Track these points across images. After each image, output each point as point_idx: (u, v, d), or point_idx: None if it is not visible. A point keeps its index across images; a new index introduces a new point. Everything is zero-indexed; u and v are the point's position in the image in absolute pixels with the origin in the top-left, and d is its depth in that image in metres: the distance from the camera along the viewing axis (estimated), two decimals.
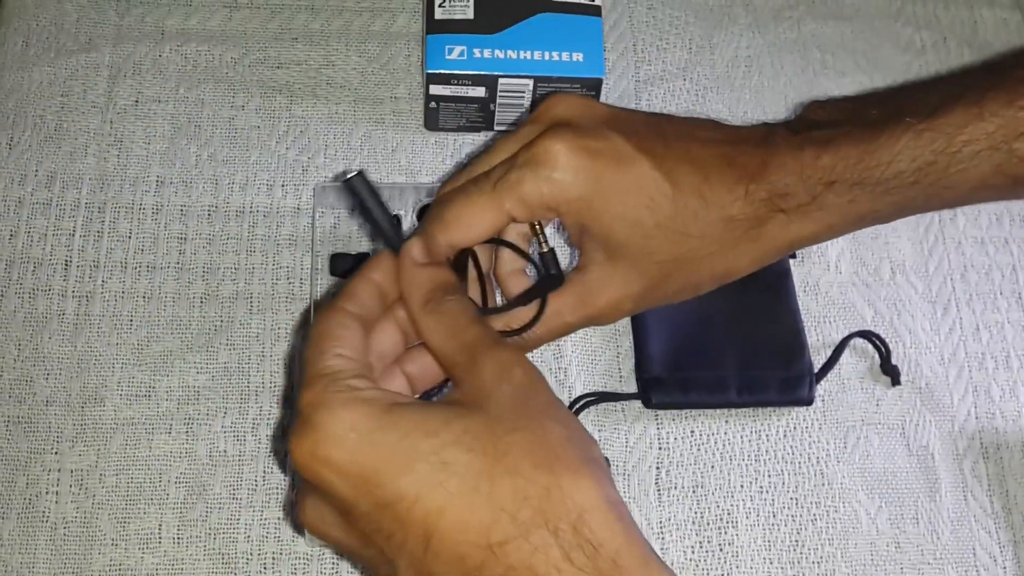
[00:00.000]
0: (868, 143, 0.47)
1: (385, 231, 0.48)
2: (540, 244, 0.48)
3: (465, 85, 0.65)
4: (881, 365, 0.66)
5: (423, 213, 0.65)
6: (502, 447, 0.37)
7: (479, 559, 0.35)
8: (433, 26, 0.65)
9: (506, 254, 0.50)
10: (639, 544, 0.36)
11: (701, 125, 0.51)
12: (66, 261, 0.64)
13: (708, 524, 0.61)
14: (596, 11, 0.67)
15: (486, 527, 0.35)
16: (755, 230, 0.48)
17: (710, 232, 0.47)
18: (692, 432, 0.63)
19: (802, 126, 0.49)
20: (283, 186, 0.67)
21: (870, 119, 0.48)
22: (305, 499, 0.40)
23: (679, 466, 0.62)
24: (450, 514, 0.36)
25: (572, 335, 0.64)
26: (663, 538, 0.60)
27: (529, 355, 0.62)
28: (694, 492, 0.62)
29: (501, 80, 0.65)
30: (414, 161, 0.69)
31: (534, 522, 0.35)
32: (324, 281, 0.64)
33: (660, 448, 0.63)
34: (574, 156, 0.45)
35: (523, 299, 0.49)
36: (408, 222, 0.65)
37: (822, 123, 0.49)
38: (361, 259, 0.64)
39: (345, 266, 0.64)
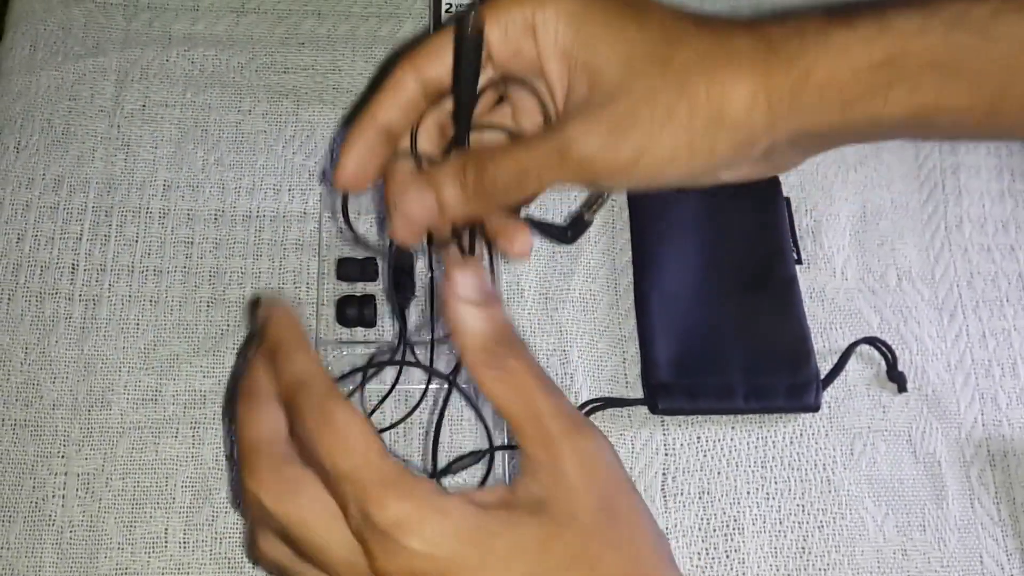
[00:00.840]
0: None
1: (460, 114, 0.43)
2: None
3: None
4: (887, 372, 0.66)
5: None
6: (600, 569, 0.37)
7: None
8: None
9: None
10: None
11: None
12: (73, 265, 0.64)
13: (714, 531, 0.61)
14: None
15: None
16: (757, 47, 0.41)
17: (700, 44, 0.41)
18: (698, 438, 0.63)
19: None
20: (289, 190, 0.67)
21: None
22: None
23: (685, 472, 0.62)
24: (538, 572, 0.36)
25: (578, 341, 0.64)
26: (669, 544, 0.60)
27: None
28: (700, 498, 0.62)
29: None
30: None
31: None
32: (331, 285, 0.64)
33: (666, 454, 0.63)
34: None
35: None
36: None
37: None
38: (368, 264, 0.64)
39: (352, 270, 0.64)
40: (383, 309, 0.64)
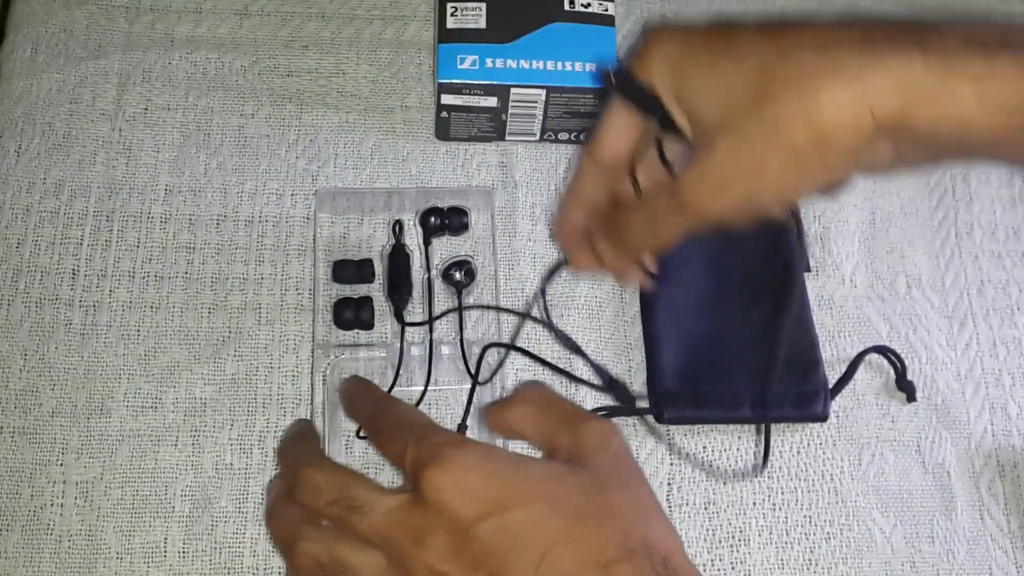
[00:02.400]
0: None
1: None
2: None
3: (477, 95, 0.65)
4: (896, 381, 0.65)
5: (426, 218, 0.64)
6: (608, 499, 0.44)
7: (591, 563, 0.41)
8: (445, 35, 0.65)
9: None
10: None
11: None
12: (73, 270, 0.63)
13: (720, 542, 0.60)
14: (609, 21, 0.66)
15: (597, 550, 0.41)
16: (866, 62, 0.38)
17: (800, 61, 0.40)
18: (704, 447, 0.62)
19: None
20: (292, 195, 0.67)
21: None
22: (429, 537, 0.43)
23: (691, 482, 0.61)
24: (566, 538, 0.41)
25: (584, 350, 0.63)
26: None
27: (540, 367, 0.62)
28: (706, 509, 0.61)
29: (513, 90, 0.64)
30: (424, 171, 0.68)
31: (636, 551, 0.42)
32: (327, 288, 0.63)
33: (671, 464, 0.62)
34: (665, 31, 0.45)
35: None
36: (412, 227, 0.65)
37: None
38: (364, 265, 0.63)
39: (348, 273, 0.63)
40: (381, 311, 0.63)
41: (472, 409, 0.58)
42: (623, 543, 0.42)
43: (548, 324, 0.63)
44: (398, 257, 0.63)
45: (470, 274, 0.63)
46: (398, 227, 0.65)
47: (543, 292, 0.64)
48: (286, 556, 0.48)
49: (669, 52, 0.44)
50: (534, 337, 0.64)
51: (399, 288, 0.62)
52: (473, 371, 0.59)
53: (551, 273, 0.64)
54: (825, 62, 0.39)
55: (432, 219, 0.64)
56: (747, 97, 0.40)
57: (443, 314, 0.62)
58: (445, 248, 0.65)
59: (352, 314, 0.62)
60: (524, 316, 0.63)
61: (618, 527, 0.43)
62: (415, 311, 0.63)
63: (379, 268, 0.64)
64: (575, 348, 0.63)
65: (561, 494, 0.43)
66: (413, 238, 0.65)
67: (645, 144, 0.50)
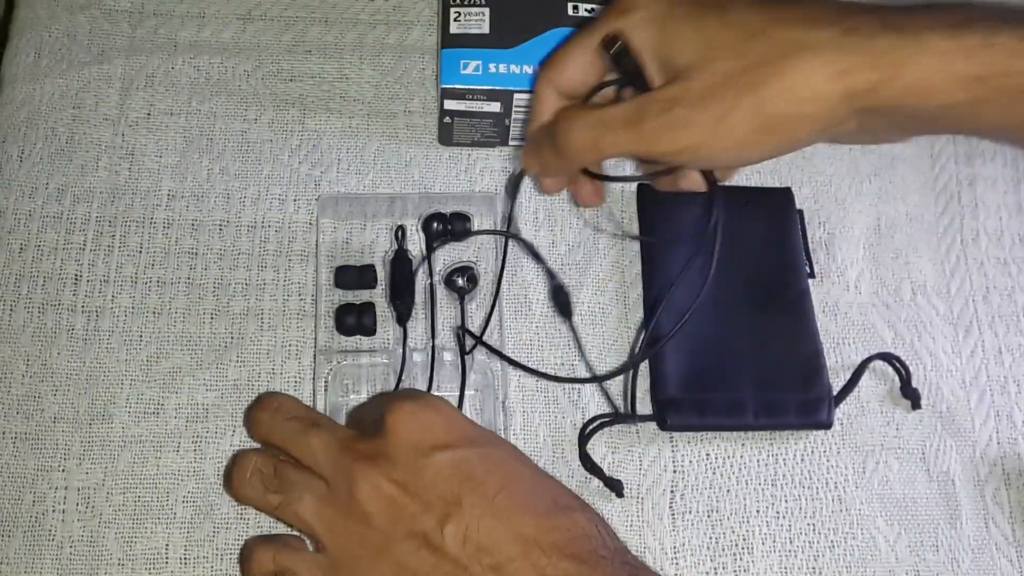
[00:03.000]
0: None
1: None
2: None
3: (480, 100, 0.64)
4: (901, 388, 0.64)
5: (428, 224, 0.64)
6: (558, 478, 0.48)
7: (543, 510, 0.43)
8: (448, 40, 0.65)
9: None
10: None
11: None
12: (76, 275, 0.63)
13: (723, 550, 0.60)
14: None
15: (552, 494, 0.44)
16: (842, 40, 0.41)
17: (783, 34, 0.42)
18: (707, 455, 0.62)
19: None
20: (295, 200, 0.67)
21: None
22: (381, 458, 0.45)
23: (694, 490, 0.61)
24: (525, 479, 0.45)
25: (588, 356, 0.63)
26: (677, 564, 0.59)
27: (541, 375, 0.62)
28: (709, 517, 0.61)
29: (516, 95, 0.64)
30: (427, 176, 0.68)
31: (586, 507, 0.45)
32: (329, 293, 0.63)
33: (675, 471, 0.62)
34: None
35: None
36: (414, 232, 0.65)
37: None
38: (366, 271, 0.63)
39: (350, 278, 0.63)
40: (383, 317, 0.63)
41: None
42: (575, 498, 0.45)
43: (507, 234, 0.64)
44: (400, 263, 0.63)
45: (472, 280, 0.63)
46: (401, 233, 0.65)
47: (511, 203, 0.64)
48: (231, 483, 0.52)
49: (656, 5, 0.46)
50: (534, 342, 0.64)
51: (401, 294, 0.62)
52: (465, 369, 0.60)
53: (514, 184, 0.63)
54: (807, 38, 0.41)
55: (435, 225, 0.64)
56: (729, 53, 0.42)
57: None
58: (448, 254, 0.65)
59: (354, 320, 0.62)
60: (503, 234, 0.64)
61: (566, 488, 0.46)
62: (417, 317, 0.63)
63: (381, 274, 0.64)
64: (535, 255, 0.64)
65: (517, 451, 0.46)
66: (416, 244, 0.65)
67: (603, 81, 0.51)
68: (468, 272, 0.63)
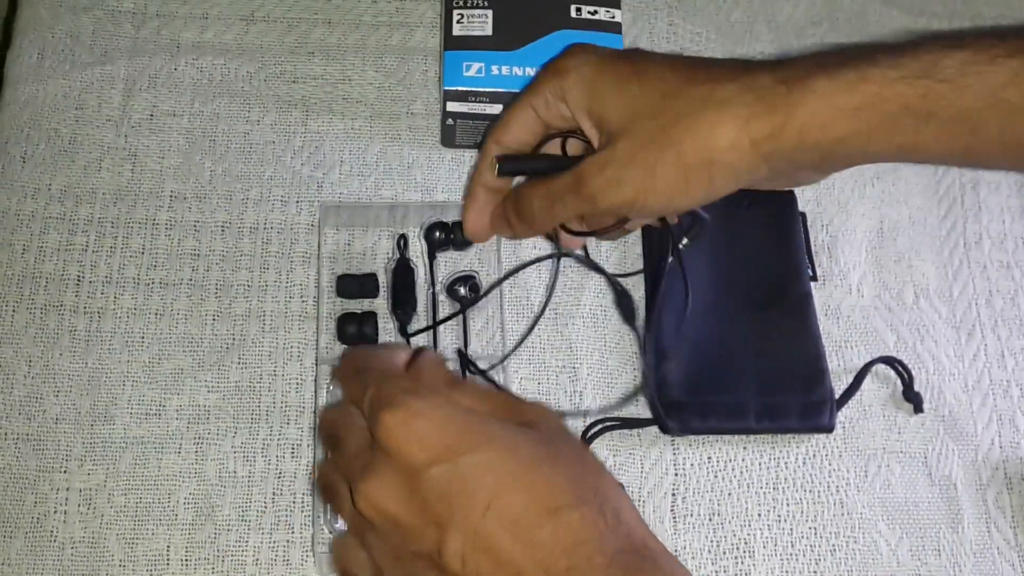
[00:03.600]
0: (889, 45, 0.47)
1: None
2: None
3: (483, 102, 0.64)
4: (903, 392, 0.64)
5: (430, 232, 0.64)
6: (559, 450, 0.44)
7: (533, 520, 0.41)
8: (451, 42, 0.65)
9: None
10: (659, 540, 0.44)
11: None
12: (78, 277, 0.63)
13: (724, 553, 0.60)
14: (616, 28, 0.66)
15: (547, 495, 0.41)
16: (744, 96, 0.47)
17: (693, 92, 0.48)
18: (709, 458, 0.62)
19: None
20: (297, 202, 0.67)
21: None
22: (371, 471, 0.44)
23: (695, 493, 0.61)
24: (516, 484, 0.42)
25: (588, 358, 0.63)
26: None
27: (544, 376, 0.62)
28: (710, 520, 0.60)
29: None
30: (430, 178, 0.68)
31: (585, 500, 0.42)
32: (331, 302, 0.63)
33: (676, 474, 0.61)
34: (579, 50, 0.53)
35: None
36: (416, 240, 0.65)
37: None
38: (368, 280, 0.63)
39: (352, 287, 0.63)
40: (385, 326, 0.63)
41: None
42: (573, 491, 0.42)
43: (560, 253, 0.63)
44: (402, 271, 0.63)
45: (475, 289, 0.63)
46: (402, 241, 0.64)
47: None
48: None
49: (585, 68, 0.52)
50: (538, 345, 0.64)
51: (403, 303, 0.62)
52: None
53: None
54: (714, 95, 0.47)
55: (437, 233, 0.64)
56: (650, 113, 0.49)
57: (447, 318, 0.62)
58: (450, 263, 0.65)
59: (355, 329, 0.62)
60: (556, 255, 0.64)
61: (569, 475, 0.43)
62: (420, 326, 0.63)
63: (383, 281, 0.64)
64: (596, 268, 0.65)
65: (513, 442, 0.43)
66: (418, 252, 0.65)
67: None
68: (470, 281, 0.63)
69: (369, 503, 0.43)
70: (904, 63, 0.46)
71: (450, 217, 0.65)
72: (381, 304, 0.64)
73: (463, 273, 0.63)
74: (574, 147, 0.55)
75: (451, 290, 0.63)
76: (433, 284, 0.63)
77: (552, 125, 0.55)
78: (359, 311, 0.62)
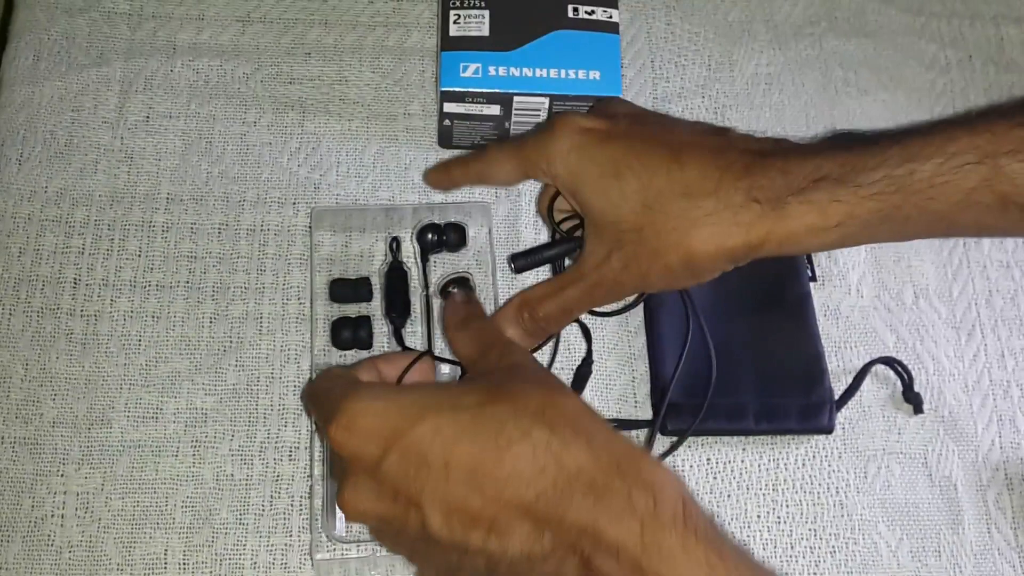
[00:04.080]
0: (860, 150, 0.49)
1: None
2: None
3: (480, 103, 0.64)
4: (903, 392, 0.64)
5: (423, 234, 0.63)
6: (506, 390, 0.45)
7: (490, 464, 0.41)
8: (448, 43, 0.64)
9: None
10: (633, 445, 0.44)
11: (708, 130, 0.56)
12: (75, 280, 0.63)
13: None
14: (614, 28, 0.66)
15: (494, 436, 0.42)
16: (720, 214, 0.50)
17: (671, 208, 0.51)
18: (708, 460, 0.62)
19: (812, 142, 0.52)
20: (294, 204, 0.66)
21: (875, 138, 0.50)
22: (344, 483, 0.45)
23: (695, 495, 0.61)
24: (464, 435, 0.42)
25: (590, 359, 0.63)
26: None
27: None
28: None
29: (516, 98, 0.64)
30: None
31: (532, 428, 0.42)
32: (325, 307, 0.63)
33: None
34: (568, 131, 0.54)
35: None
36: (409, 242, 0.65)
37: (833, 139, 0.52)
38: (361, 284, 0.63)
39: (346, 292, 0.63)
40: (379, 330, 0.62)
41: None
42: (520, 423, 0.42)
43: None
44: (395, 275, 0.63)
45: (469, 290, 0.62)
46: (395, 244, 0.64)
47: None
48: None
49: (572, 157, 0.54)
50: None
51: (397, 307, 0.62)
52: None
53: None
54: (691, 216, 0.50)
55: (429, 236, 0.64)
56: (633, 225, 0.52)
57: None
58: (443, 264, 0.65)
59: (350, 334, 0.61)
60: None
61: (515, 408, 0.43)
62: (414, 329, 0.63)
63: (377, 284, 0.64)
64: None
65: (453, 400, 0.44)
66: (411, 255, 0.65)
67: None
68: (464, 283, 0.62)
69: (352, 512, 0.45)
70: (875, 178, 0.48)
71: (443, 219, 0.64)
72: (376, 308, 0.63)
73: (457, 275, 0.63)
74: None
75: (444, 292, 0.62)
76: (427, 286, 0.63)
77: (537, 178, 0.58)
78: (354, 316, 0.62)
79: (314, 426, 0.58)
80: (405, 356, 0.56)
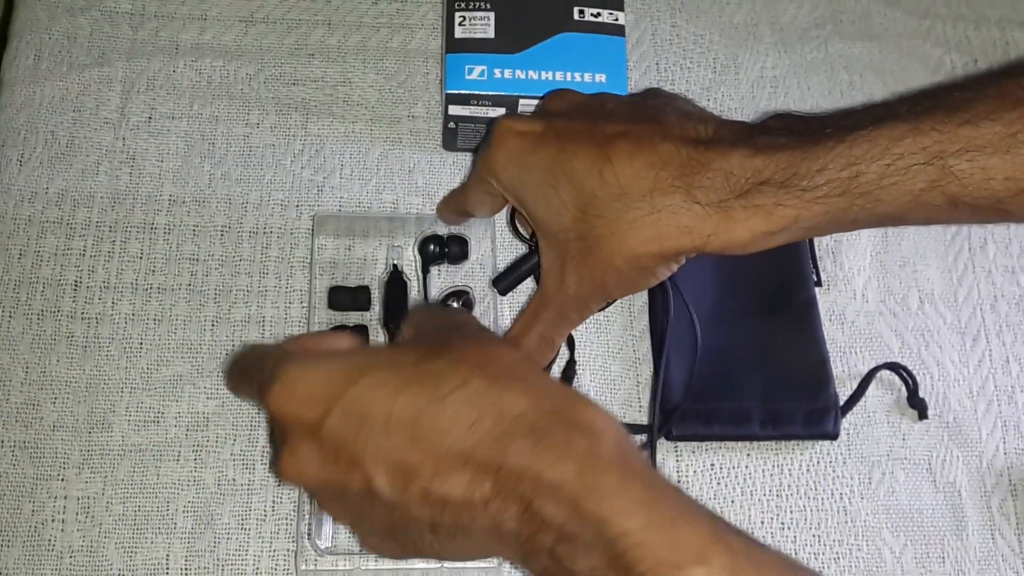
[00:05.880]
0: (803, 150, 0.48)
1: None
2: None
3: (485, 105, 0.64)
4: (908, 398, 0.64)
5: (424, 245, 0.63)
6: (446, 347, 0.44)
7: (428, 416, 0.41)
8: (453, 45, 0.64)
9: None
10: (581, 401, 0.43)
11: (639, 109, 0.53)
12: (76, 282, 0.63)
13: None
14: (620, 31, 0.65)
15: (431, 388, 0.41)
16: (658, 215, 0.49)
17: (607, 212, 0.50)
18: (712, 465, 0.62)
19: (752, 132, 0.50)
20: (297, 206, 0.66)
21: (817, 131, 0.48)
22: (283, 449, 0.44)
23: (698, 500, 0.60)
24: (402, 390, 0.42)
25: (590, 363, 0.63)
26: None
27: None
28: None
29: (521, 101, 0.63)
30: (431, 182, 0.68)
31: (470, 378, 0.42)
32: (322, 315, 0.63)
33: (679, 481, 0.61)
34: (503, 139, 0.53)
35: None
36: (411, 251, 0.64)
37: (774, 131, 0.50)
38: (360, 293, 0.62)
39: (344, 300, 0.62)
40: (377, 340, 0.62)
41: None
42: (456, 374, 0.42)
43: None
44: (395, 285, 0.62)
45: (468, 304, 0.62)
46: (397, 253, 0.64)
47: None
48: None
49: (511, 167, 0.53)
50: None
51: (395, 317, 0.61)
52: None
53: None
54: (627, 218, 0.49)
55: (431, 247, 0.63)
56: (576, 233, 0.51)
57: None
58: (444, 276, 0.65)
59: None
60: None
61: (452, 360, 0.43)
62: None
63: (376, 293, 0.63)
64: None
65: (394, 358, 0.44)
66: (412, 265, 0.64)
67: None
68: (464, 296, 0.62)
69: (292, 478, 0.44)
70: (820, 182, 0.47)
71: (445, 230, 0.64)
72: (373, 318, 0.63)
73: (457, 288, 0.63)
74: None
75: (444, 305, 0.62)
76: (426, 298, 0.63)
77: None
78: (350, 324, 0.62)
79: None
80: (333, 335, 0.54)
